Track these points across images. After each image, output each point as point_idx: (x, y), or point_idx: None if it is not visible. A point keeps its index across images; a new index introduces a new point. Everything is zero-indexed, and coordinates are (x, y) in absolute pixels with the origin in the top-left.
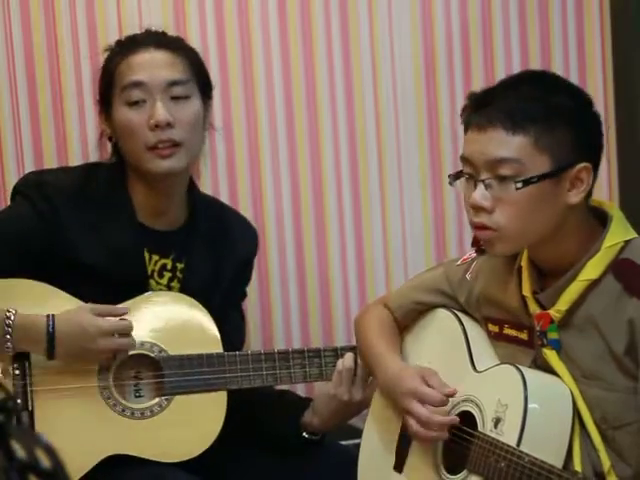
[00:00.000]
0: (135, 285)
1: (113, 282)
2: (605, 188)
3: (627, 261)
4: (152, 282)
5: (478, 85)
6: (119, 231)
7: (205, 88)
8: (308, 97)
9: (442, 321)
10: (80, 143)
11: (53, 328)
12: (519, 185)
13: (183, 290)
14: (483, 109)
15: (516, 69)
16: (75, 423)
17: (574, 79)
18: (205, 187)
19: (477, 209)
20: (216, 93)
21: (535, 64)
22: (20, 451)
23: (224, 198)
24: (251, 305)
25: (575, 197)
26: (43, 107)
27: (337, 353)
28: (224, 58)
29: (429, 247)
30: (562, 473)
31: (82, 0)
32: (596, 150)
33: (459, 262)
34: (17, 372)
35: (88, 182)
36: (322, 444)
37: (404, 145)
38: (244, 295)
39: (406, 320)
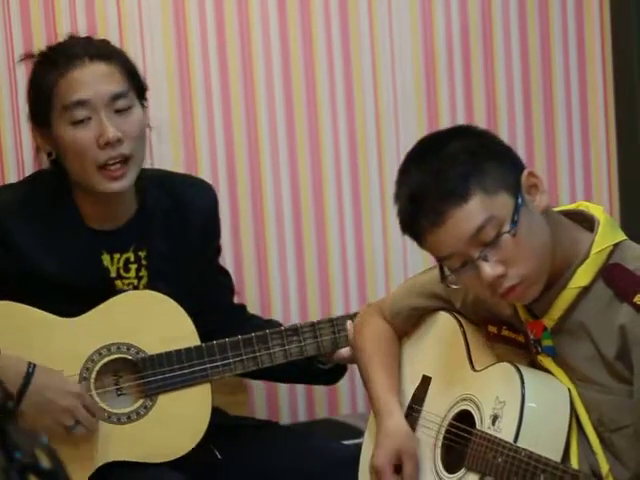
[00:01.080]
0: (100, 290)
1: (77, 291)
2: (605, 188)
3: (617, 266)
4: (118, 282)
5: (478, 85)
6: (72, 240)
7: (141, 93)
8: (308, 97)
9: (442, 323)
10: None
11: (31, 376)
12: (513, 232)
13: (153, 275)
14: (422, 210)
15: (516, 69)
16: (63, 436)
17: (574, 79)
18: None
19: (496, 281)
20: (216, 94)
21: (535, 64)
22: (20, 451)
23: (224, 199)
24: (251, 305)
25: (542, 201)
26: None
27: (315, 328)
28: (224, 58)
29: None
30: (558, 466)
31: (82, 0)
32: (515, 156)
33: None
34: None
35: (32, 196)
36: (333, 374)
37: (404, 145)
38: (219, 250)
39: (405, 326)
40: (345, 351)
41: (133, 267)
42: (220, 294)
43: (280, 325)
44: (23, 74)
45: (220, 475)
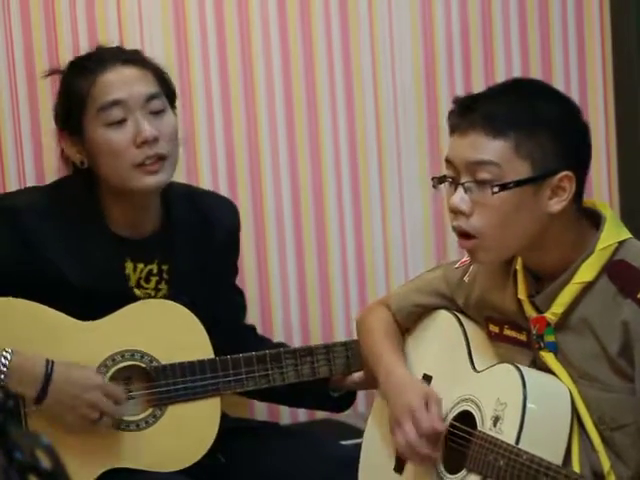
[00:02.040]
0: (118, 297)
1: (96, 297)
2: (605, 188)
3: (621, 262)
4: (136, 291)
5: (478, 85)
6: (96, 246)
7: (172, 99)
8: (308, 97)
9: (443, 322)
10: None
11: (51, 373)
12: (495, 189)
13: (171, 290)
14: (467, 113)
15: (516, 69)
16: (70, 440)
17: (574, 79)
18: (205, 187)
19: (456, 212)
20: (216, 93)
21: (535, 64)
22: (20, 451)
23: None
24: (251, 305)
25: (557, 205)
26: (43, 107)
27: (328, 351)
28: (224, 58)
29: (429, 247)
30: (560, 469)
31: (82, 0)
32: (581, 159)
33: (457, 265)
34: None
35: (58, 201)
36: (344, 404)
37: (404, 145)
38: (236, 272)
39: (407, 322)
40: (357, 376)
41: (154, 279)
42: (233, 313)
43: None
44: (23, 74)
45: (222, 477)
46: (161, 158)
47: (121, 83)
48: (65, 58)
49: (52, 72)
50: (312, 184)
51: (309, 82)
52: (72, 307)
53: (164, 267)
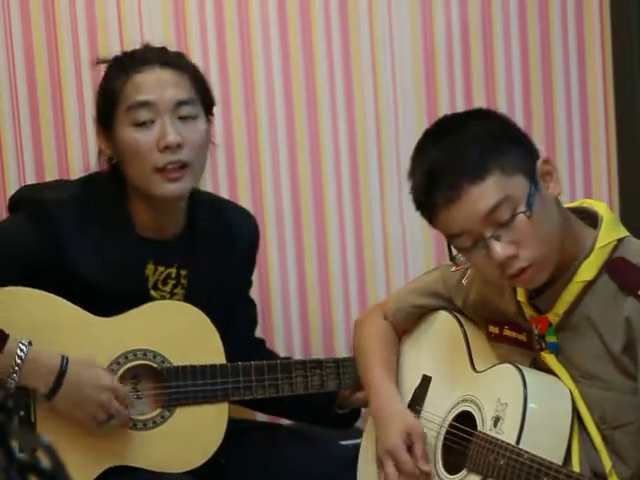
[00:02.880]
0: (135, 297)
1: (113, 295)
2: (605, 188)
3: (621, 260)
4: (153, 293)
5: (478, 85)
6: (120, 246)
7: (208, 106)
8: (308, 97)
9: (442, 323)
10: (80, 143)
11: (66, 369)
12: (528, 213)
13: (187, 295)
14: (439, 185)
15: (516, 69)
16: (77, 435)
17: (574, 79)
18: (205, 187)
19: (507, 262)
20: (216, 93)
21: (535, 64)
22: (20, 451)
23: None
24: None
25: (556, 188)
26: (43, 107)
27: (338, 365)
28: (224, 58)
29: (429, 247)
30: (560, 469)
31: (82, 0)
32: (532, 143)
33: (454, 268)
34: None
35: (87, 197)
36: (350, 422)
37: (404, 145)
38: (250, 284)
39: (406, 324)
40: (363, 394)
41: (171, 283)
42: (245, 325)
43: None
44: (23, 74)
45: (223, 477)
46: (183, 166)
47: (154, 85)
48: (65, 59)
49: (100, 62)
50: (312, 184)
51: (309, 82)
52: (87, 302)
53: (182, 272)
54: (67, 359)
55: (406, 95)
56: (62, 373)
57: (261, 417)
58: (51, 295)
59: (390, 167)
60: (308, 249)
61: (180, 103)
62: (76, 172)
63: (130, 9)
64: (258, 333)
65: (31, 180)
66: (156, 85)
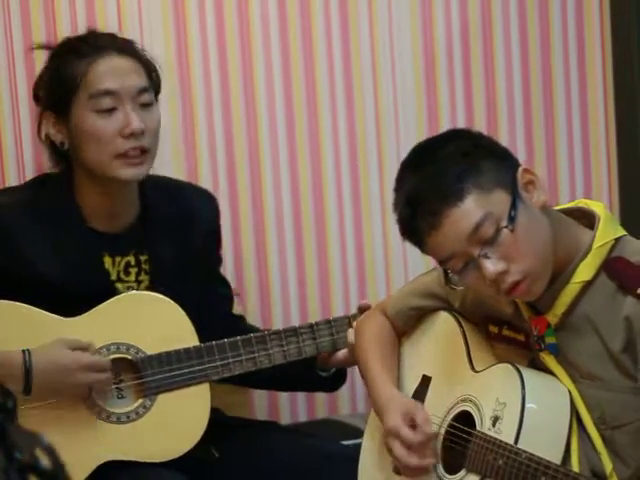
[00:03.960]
0: (101, 292)
1: (77, 293)
2: (605, 188)
3: (619, 259)
4: (118, 285)
5: (478, 85)
6: (74, 241)
7: (157, 93)
8: (308, 97)
9: (442, 323)
10: None
11: (30, 364)
12: (511, 227)
13: (153, 280)
14: (419, 213)
15: (516, 69)
16: (62, 435)
17: (574, 79)
18: (205, 187)
19: (500, 277)
20: (216, 93)
21: (535, 64)
22: (20, 451)
23: (224, 198)
24: (251, 305)
25: (540, 197)
26: None
27: (313, 329)
28: (224, 58)
29: None
30: (559, 468)
31: (82, 0)
32: (510, 155)
33: None
34: None
35: (36, 197)
36: (334, 383)
37: (404, 145)
38: (219, 260)
39: (406, 326)
40: (342, 353)
41: (133, 271)
42: (220, 304)
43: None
44: (23, 75)
45: (219, 475)
46: (144, 151)
47: (115, 73)
48: None
49: (45, 47)
50: (312, 184)
51: (309, 82)
52: (54, 306)
53: (142, 257)
54: (29, 352)
55: (406, 95)
56: (28, 368)
57: (260, 416)
58: (16, 303)
59: (390, 167)
60: (308, 249)
61: (141, 91)
62: None
63: (130, 9)
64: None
65: None
66: (117, 73)
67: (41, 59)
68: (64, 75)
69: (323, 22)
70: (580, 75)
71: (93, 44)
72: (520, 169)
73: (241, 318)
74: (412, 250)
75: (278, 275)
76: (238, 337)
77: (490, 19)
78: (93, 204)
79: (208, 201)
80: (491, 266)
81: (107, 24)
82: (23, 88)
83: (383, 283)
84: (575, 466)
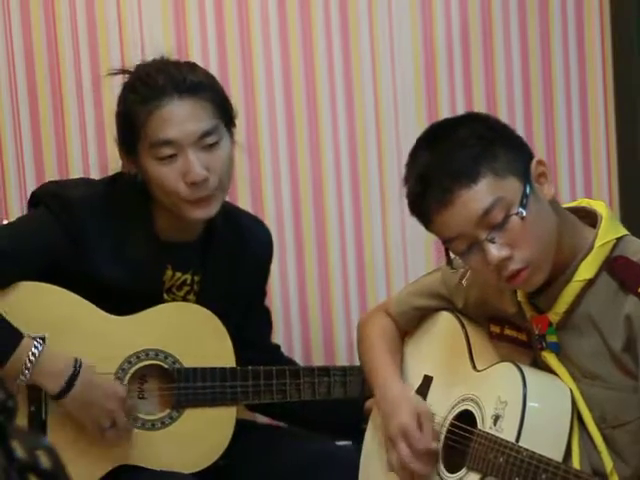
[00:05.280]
0: (148, 299)
1: (127, 295)
2: (605, 188)
3: (621, 258)
4: (165, 296)
5: (478, 85)
6: (141, 247)
7: (230, 120)
8: (308, 97)
9: (444, 323)
10: (80, 143)
11: (78, 372)
12: (522, 215)
13: (199, 301)
14: (432, 189)
15: (516, 69)
16: (87, 433)
17: (574, 79)
18: None
19: (502, 264)
20: None
21: (535, 64)
22: (20, 451)
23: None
24: None
25: (550, 189)
26: (43, 107)
27: (346, 373)
28: (224, 58)
29: (429, 247)
30: (559, 465)
31: (82, 0)
32: (525, 144)
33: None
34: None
35: (110, 196)
36: None
37: (404, 145)
38: (265, 294)
39: (408, 326)
40: None
41: (185, 288)
42: (260, 332)
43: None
44: (23, 74)
45: (223, 476)
46: (211, 196)
47: (174, 121)
48: (65, 58)
49: (120, 72)
50: (312, 184)
51: (309, 82)
52: (101, 300)
53: (196, 278)
54: (80, 362)
55: (406, 95)
56: (74, 376)
57: (262, 418)
58: (68, 292)
59: (390, 167)
60: (308, 249)
61: (203, 135)
62: (76, 172)
63: (130, 9)
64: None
65: (30, 180)
66: (177, 121)
67: (41, 59)
68: (127, 118)
69: (323, 22)
70: (580, 75)
71: (153, 87)
72: (535, 160)
73: (277, 347)
74: (412, 250)
75: (278, 275)
76: (273, 367)
77: (490, 18)
78: (164, 222)
79: (264, 231)
80: (495, 251)
81: (107, 24)
82: (23, 88)
83: (383, 283)
84: (576, 465)
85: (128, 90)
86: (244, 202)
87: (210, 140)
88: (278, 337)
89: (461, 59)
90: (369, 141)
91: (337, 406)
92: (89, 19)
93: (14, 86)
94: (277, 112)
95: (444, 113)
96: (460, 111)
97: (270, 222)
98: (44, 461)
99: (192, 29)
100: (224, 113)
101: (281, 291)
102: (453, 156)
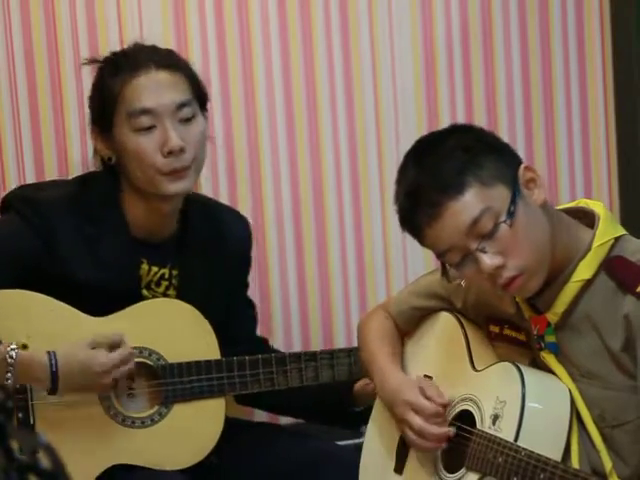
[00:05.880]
0: (127, 297)
1: (105, 295)
2: (605, 188)
3: (619, 258)
4: (145, 292)
5: (478, 85)
6: (114, 245)
7: (203, 102)
8: (308, 97)
9: (443, 323)
10: (80, 143)
11: (56, 366)
12: (509, 222)
13: (179, 296)
14: (420, 205)
15: (516, 69)
16: (77, 435)
17: (574, 80)
18: (205, 188)
19: (496, 272)
20: (216, 93)
21: (535, 64)
22: (20, 451)
23: (224, 199)
24: None
25: (540, 195)
26: (43, 107)
27: (333, 356)
28: (224, 58)
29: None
30: (558, 465)
31: (82, 0)
32: (512, 151)
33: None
34: (17, 385)
35: (81, 196)
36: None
37: (404, 145)
38: (247, 286)
39: (408, 326)
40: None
41: (164, 284)
42: (244, 325)
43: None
44: (23, 75)
45: (218, 476)
46: (186, 168)
47: (152, 90)
48: (65, 59)
49: (90, 61)
50: (312, 184)
51: (309, 82)
52: (80, 302)
53: (174, 272)
54: (54, 354)
55: (406, 95)
56: (54, 370)
57: (260, 417)
58: (45, 297)
59: (390, 167)
60: (308, 249)
61: (180, 106)
62: (76, 172)
63: (130, 9)
64: (258, 333)
65: (31, 180)
66: (155, 90)
67: (41, 59)
68: (104, 92)
69: (323, 22)
70: (580, 75)
71: (131, 59)
72: (522, 166)
73: (265, 340)
74: (412, 251)
75: (278, 275)
76: (259, 356)
77: (490, 18)
78: (137, 214)
79: (242, 225)
80: (488, 260)
81: (107, 24)
82: (23, 88)
83: (383, 283)
84: (575, 464)
85: (105, 67)
86: (244, 202)
87: (186, 113)
88: (278, 337)
89: (461, 59)
90: (369, 141)
91: (325, 391)
92: (89, 19)
93: (14, 86)
94: (277, 112)
95: (444, 113)
96: (460, 111)
97: (270, 222)
98: (44, 461)
99: (192, 29)
100: (199, 93)
101: (281, 291)
102: (439, 169)
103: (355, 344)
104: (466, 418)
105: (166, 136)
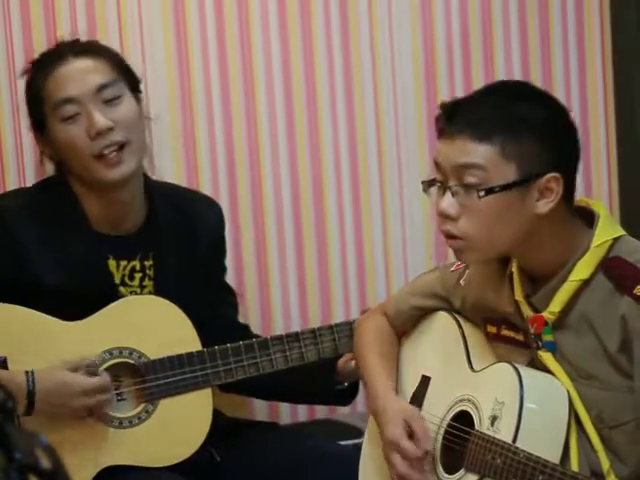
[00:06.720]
0: (103, 296)
1: (80, 296)
2: (605, 188)
3: (617, 259)
4: (122, 289)
5: (478, 85)
6: (78, 244)
7: (133, 84)
8: (308, 97)
9: (441, 323)
10: None
11: (33, 386)
12: (482, 194)
13: (157, 286)
14: (452, 118)
15: (516, 69)
16: (65, 439)
17: (574, 80)
18: (205, 188)
19: (444, 217)
20: (216, 93)
21: (535, 64)
22: (20, 451)
23: (224, 199)
24: (251, 306)
25: (544, 207)
26: None
27: (315, 334)
28: (224, 58)
29: (429, 247)
30: (556, 467)
31: (82, 0)
32: (568, 160)
33: (453, 268)
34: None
35: (42, 201)
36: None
37: (404, 145)
38: (224, 270)
39: (406, 326)
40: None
41: (138, 276)
42: (224, 312)
43: None
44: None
45: (219, 476)
46: (121, 147)
47: (72, 77)
48: None
49: (25, 72)
50: (312, 184)
51: (309, 82)
52: (56, 309)
53: (147, 263)
54: (32, 374)
55: (406, 95)
56: (31, 390)
57: (260, 417)
58: (19, 307)
59: (390, 167)
60: (308, 249)
61: (101, 87)
62: None
63: (130, 9)
64: (259, 333)
65: (31, 180)
66: (74, 77)
67: None
68: (32, 92)
69: (323, 22)
70: (580, 75)
71: (52, 54)
72: (552, 175)
73: (246, 327)
74: (412, 251)
75: (278, 276)
76: (240, 342)
77: (490, 19)
78: (96, 209)
79: (213, 209)
80: (446, 204)
81: (107, 25)
82: (23, 88)
83: (383, 283)
84: (574, 465)
85: (31, 69)
86: (244, 202)
87: (109, 93)
88: None
89: (461, 59)
90: (369, 141)
91: (309, 370)
92: (89, 19)
93: (14, 86)
94: (277, 112)
95: None
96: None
97: (270, 222)
98: (44, 461)
99: (192, 29)
100: (125, 73)
101: (281, 291)
102: (493, 109)
103: (340, 315)
104: (464, 419)
105: (90, 119)
